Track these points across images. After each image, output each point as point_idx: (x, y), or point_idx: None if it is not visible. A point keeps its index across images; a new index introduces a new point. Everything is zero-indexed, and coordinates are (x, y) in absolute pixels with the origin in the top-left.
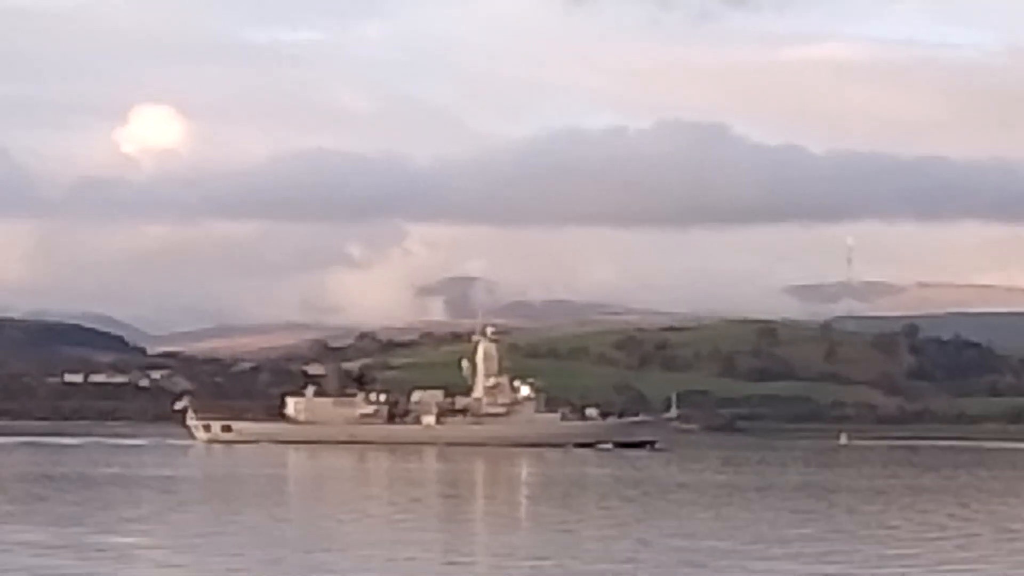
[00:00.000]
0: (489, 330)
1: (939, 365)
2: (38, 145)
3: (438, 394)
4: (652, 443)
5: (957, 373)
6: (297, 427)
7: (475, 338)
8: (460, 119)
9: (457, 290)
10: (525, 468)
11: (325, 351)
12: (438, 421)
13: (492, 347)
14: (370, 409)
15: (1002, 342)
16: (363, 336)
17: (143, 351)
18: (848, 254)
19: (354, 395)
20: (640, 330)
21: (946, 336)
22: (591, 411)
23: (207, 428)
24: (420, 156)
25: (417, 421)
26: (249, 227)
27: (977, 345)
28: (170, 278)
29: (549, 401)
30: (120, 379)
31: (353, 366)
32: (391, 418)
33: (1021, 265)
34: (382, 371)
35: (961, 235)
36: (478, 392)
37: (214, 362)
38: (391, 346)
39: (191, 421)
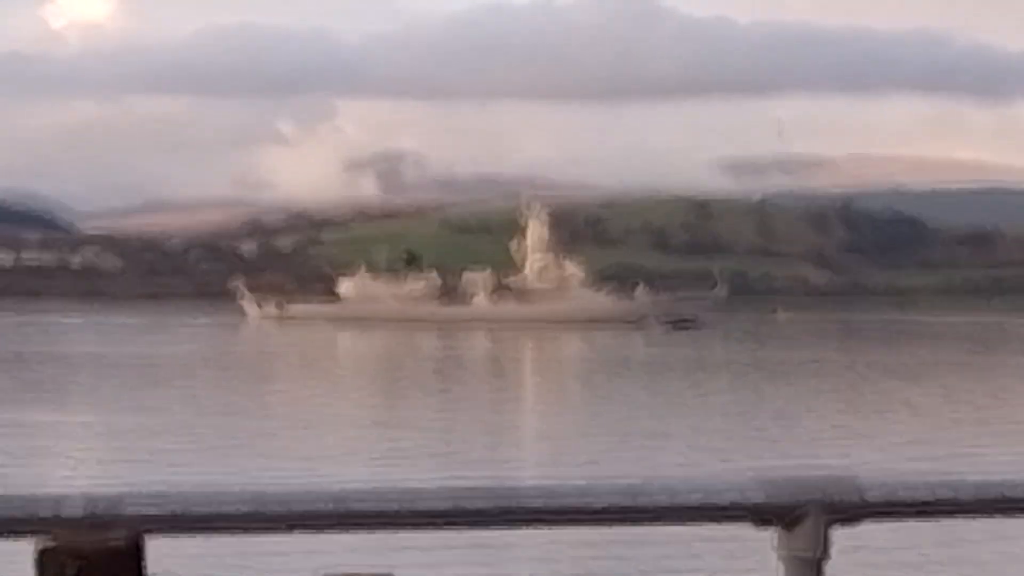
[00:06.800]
0: (538, 210)
1: (872, 239)
2: None
3: (488, 274)
4: (693, 321)
5: (890, 247)
6: (349, 306)
7: (523, 219)
8: None
9: (387, 166)
10: (570, 348)
11: (256, 229)
12: (488, 300)
13: (543, 227)
14: (421, 288)
15: (934, 216)
16: (296, 215)
17: (72, 229)
18: (778, 128)
19: (405, 275)
20: (571, 205)
21: (879, 211)
22: (639, 289)
23: (260, 307)
24: (348, 32)
25: (467, 300)
26: (177, 103)
27: (910, 219)
28: (97, 155)
29: (596, 279)
30: (49, 258)
31: (286, 243)
32: (442, 297)
33: (953, 138)
34: (314, 248)
35: (890, 108)
36: (527, 271)
37: (144, 240)
38: (323, 223)
39: (243, 300)
